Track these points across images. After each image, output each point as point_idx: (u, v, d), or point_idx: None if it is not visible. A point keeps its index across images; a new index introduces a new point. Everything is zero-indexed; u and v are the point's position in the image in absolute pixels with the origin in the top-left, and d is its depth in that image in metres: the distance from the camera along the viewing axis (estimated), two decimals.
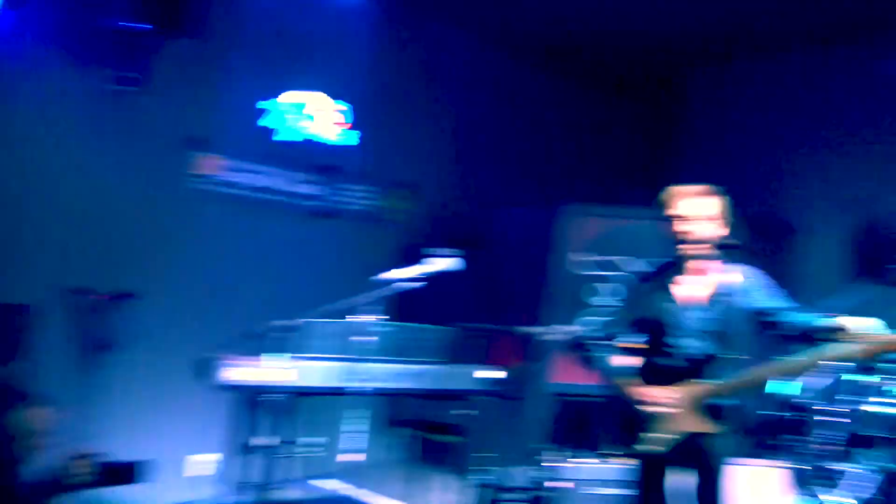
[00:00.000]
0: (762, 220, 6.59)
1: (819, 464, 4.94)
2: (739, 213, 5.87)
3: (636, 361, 3.27)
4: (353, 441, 3.83)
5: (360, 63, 6.25)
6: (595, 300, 5.97)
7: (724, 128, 7.90)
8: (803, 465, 5.00)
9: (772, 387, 5.87)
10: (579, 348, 3.28)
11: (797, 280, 6.92)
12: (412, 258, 6.00)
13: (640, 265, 3.38)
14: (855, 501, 4.56)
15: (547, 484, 4.40)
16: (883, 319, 3.03)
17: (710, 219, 3.08)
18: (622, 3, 6.44)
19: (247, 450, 4.08)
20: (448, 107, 7.22)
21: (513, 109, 8.00)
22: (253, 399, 4.09)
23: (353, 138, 6.14)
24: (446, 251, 6.18)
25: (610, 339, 3.28)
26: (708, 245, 3.06)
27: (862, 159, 6.88)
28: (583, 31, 7.14)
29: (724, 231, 3.09)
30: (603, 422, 3.44)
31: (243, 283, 5.51)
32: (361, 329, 3.92)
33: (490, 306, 6.41)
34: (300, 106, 5.79)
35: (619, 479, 4.26)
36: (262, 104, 5.66)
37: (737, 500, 3.16)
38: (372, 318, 3.89)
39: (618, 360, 3.24)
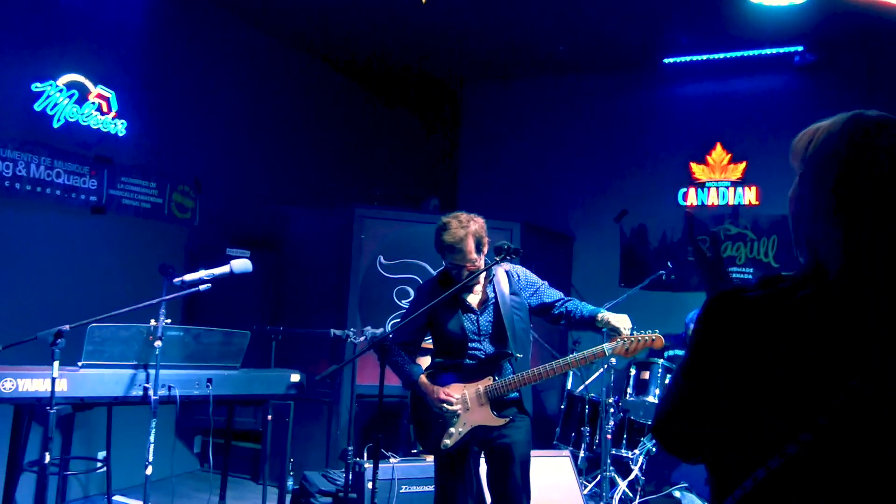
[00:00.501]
0: (539, 228, 7.06)
1: (601, 451, 5.35)
2: (519, 221, 6.32)
3: (426, 362, 3.45)
4: (146, 453, 3.49)
5: (138, 49, 5.78)
6: (405, 302, 6.02)
7: (503, 140, 8.39)
8: (589, 452, 5.41)
9: (560, 381, 6.30)
10: (378, 350, 3.30)
11: (571, 283, 7.53)
12: (203, 259, 5.66)
13: (428, 270, 3.46)
14: (623, 483, 5.01)
15: (354, 485, 4.32)
16: (642, 319, 3.42)
17: (474, 237, 3.23)
18: (408, 15, 6.59)
19: (23, 468, 3.57)
20: (239, 103, 6.93)
21: (308, 111, 7.88)
22: (29, 412, 3.62)
23: (128, 128, 5.62)
24: (239, 251, 5.92)
25: (403, 342, 3.38)
26: (476, 259, 3.24)
27: (627, 175, 7.64)
28: (372, 38, 7.23)
29: (485, 245, 3.28)
30: (406, 422, 3.50)
31: (14, 286, 4.82)
32: (150, 334, 3.59)
33: (290, 308, 6.23)
34: (69, 92, 5.19)
35: (426, 476, 4.34)
36: (27, 88, 4.98)
37: (529, 489, 3.32)
38: (161, 321, 3.57)
39: (410, 362, 3.37)
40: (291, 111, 7.62)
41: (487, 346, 3.30)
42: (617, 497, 4.99)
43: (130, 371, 3.67)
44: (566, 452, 5.05)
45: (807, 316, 1.13)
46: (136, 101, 5.73)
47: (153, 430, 3.54)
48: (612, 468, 5.12)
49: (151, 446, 3.53)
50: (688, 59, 7.16)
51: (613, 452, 5.25)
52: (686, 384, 1.24)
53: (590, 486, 5.29)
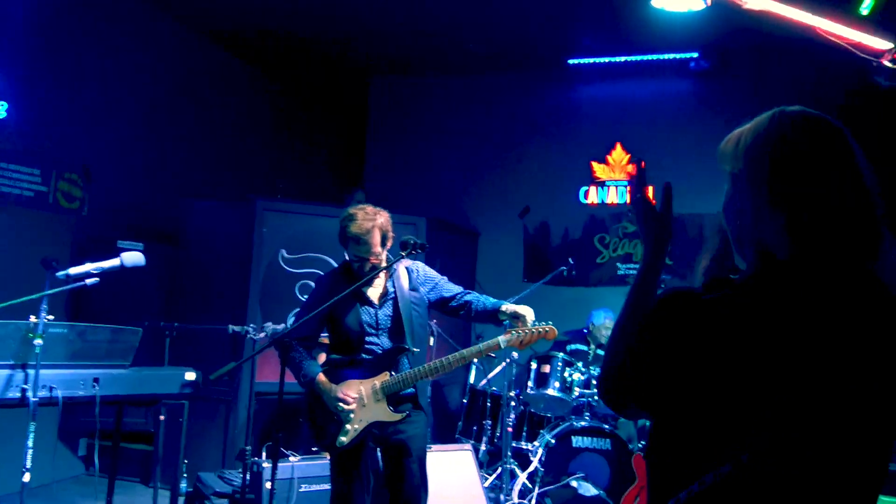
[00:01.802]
0: (445, 223, 7.08)
1: (502, 443, 5.41)
2: (425, 216, 6.31)
3: (323, 358, 3.43)
4: (25, 458, 3.26)
5: (22, 28, 5.41)
6: (307, 297, 5.89)
7: (410, 135, 8.37)
8: (490, 446, 5.46)
9: (463, 375, 6.33)
10: (279, 347, 3.23)
11: (476, 278, 7.59)
12: (93, 252, 5.36)
13: (332, 263, 3.40)
14: (523, 474, 5.09)
15: (251, 486, 4.19)
16: (545, 313, 3.45)
17: (380, 230, 3.24)
18: (317, 5, 6.47)
19: None
20: (136, 89, 6.60)
21: (212, 101, 7.61)
22: None
23: (8, 111, 5.25)
24: (132, 244, 5.64)
25: (302, 336, 3.33)
26: (380, 253, 3.25)
27: (531, 173, 7.76)
28: (280, 28, 7.07)
29: (389, 239, 3.29)
30: (305, 419, 3.44)
31: None
32: (30, 331, 3.35)
33: (188, 304, 5.99)
34: None
35: (325, 474, 4.27)
36: None
37: (427, 484, 3.34)
38: (42, 318, 3.34)
39: (307, 358, 3.31)
40: (193, 100, 7.33)
41: (385, 341, 3.30)
42: (517, 489, 5.06)
43: (7, 371, 3.41)
44: (468, 446, 5.08)
45: (748, 320, 1.16)
46: (18, 82, 5.35)
47: (32, 435, 3.31)
48: (512, 460, 5.19)
49: (30, 451, 3.29)
50: (592, 60, 7.34)
51: (514, 445, 5.33)
52: (642, 351, 1.23)
53: (491, 478, 5.35)
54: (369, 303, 3.31)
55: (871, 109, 5.82)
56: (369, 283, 3.29)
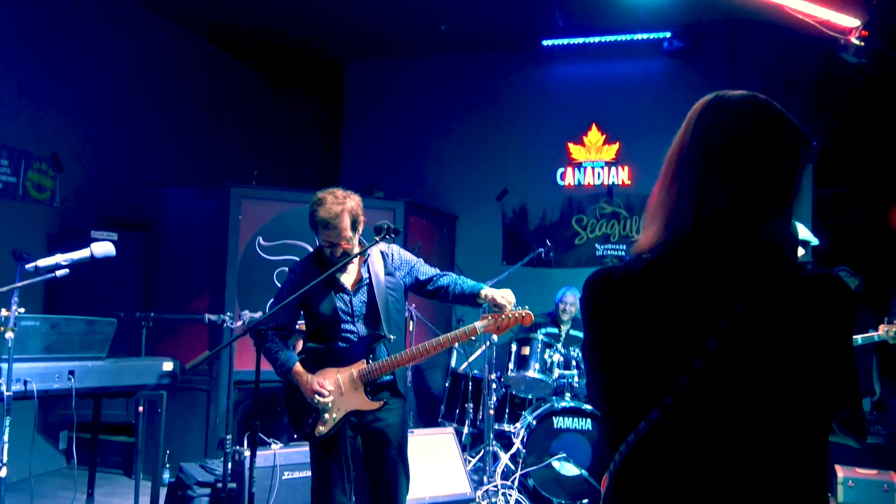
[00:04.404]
0: (422, 207, 7.07)
1: (484, 426, 5.43)
2: (402, 200, 6.29)
3: (301, 346, 3.38)
4: (1, 452, 3.23)
5: None
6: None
7: (386, 119, 8.32)
8: (473, 428, 5.49)
9: (444, 359, 6.34)
10: (255, 335, 3.19)
11: (454, 261, 7.60)
12: (66, 242, 5.28)
13: (309, 251, 3.33)
14: (506, 456, 5.13)
15: (233, 474, 4.18)
16: (523, 295, 3.45)
17: (350, 213, 3.16)
18: None
19: None
20: (107, 76, 6.49)
21: (185, 87, 7.50)
22: None
23: None
24: (105, 234, 5.57)
25: (277, 325, 3.28)
26: (351, 238, 3.17)
27: (508, 155, 7.76)
28: (253, 12, 6.96)
29: (361, 223, 3.21)
30: (283, 409, 3.42)
31: None
32: (1, 324, 3.30)
33: (164, 293, 5.93)
34: None
35: (308, 461, 4.27)
36: None
37: (408, 470, 3.33)
38: (14, 311, 3.29)
39: (283, 348, 3.27)
40: (165, 86, 7.22)
41: (360, 328, 3.26)
42: (500, 470, 5.10)
43: None
44: (450, 430, 5.10)
45: (657, 284, 1.28)
46: None
47: (7, 429, 3.27)
48: (494, 442, 5.22)
49: (5, 446, 3.26)
50: (566, 41, 7.32)
51: (496, 427, 5.36)
52: (587, 357, 1.39)
53: (473, 460, 5.38)
54: (343, 289, 3.26)
55: (840, 86, 5.89)
56: (343, 269, 3.23)
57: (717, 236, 1.26)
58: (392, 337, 3.24)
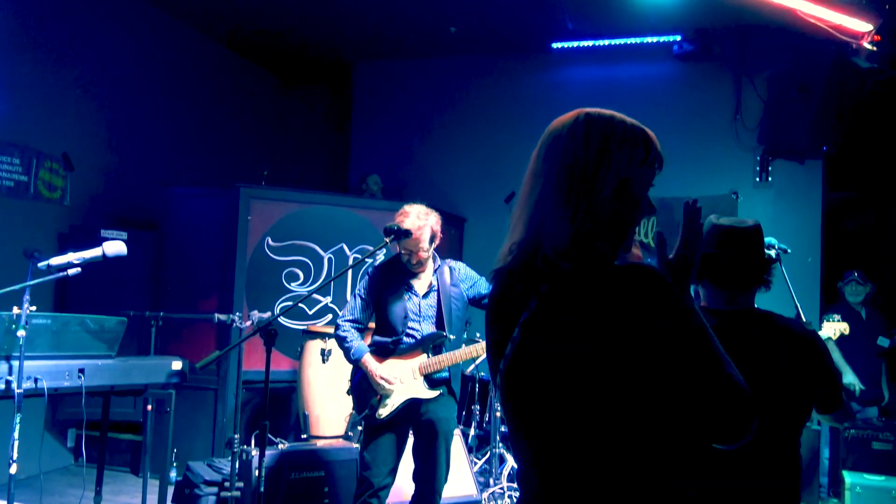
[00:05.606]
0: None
1: (490, 428, 5.43)
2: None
3: (368, 340, 3.77)
4: (9, 450, 3.25)
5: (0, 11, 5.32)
6: (294, 285, 5.88)
7: (395, 120, 8.34)
8: (479, 430, 5.49)
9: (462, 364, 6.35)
10: (265, 335, 3.30)
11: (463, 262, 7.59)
12: (76, 241, 5.31)
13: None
14: (512, 458, 5.13)
15: (241, 474, 4.20)
16: None
17: (430, 229, 3.62)
18: None
19: None
20: (117, 76, 6.52)
21: (195, 87, 7.54)
22: None
23: None
24: (115, 233, 5.60)
25: (353, 319, 3.69)
26: (427, 250, 3.64)
27: (517, 157, 7.74)
28: (263, 13, 7.00)
29: (437, 239, 3.67)
30: (351, 392, 3.73)
31: None
32: (13, 322, 3.33)
33: (173, 293, 5.95)
34: None
35: (315, 461, 4.29)
36: None
37: (450, 464, 3.65)
38: (25, 309, 3.32)
39: (357, 339, 3.66)
40: (176, 86, 7.26)
41: (425, 327, 3.66)
42: (506, 472, 5.10)
43: None
44: (457, 431, 5.10)
45: (502, 287, 1.58)
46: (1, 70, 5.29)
47: (17, 426, 3.29)
48: (501, 445, 5.22)
49: (16, 443, 3.28)
50: (575, 44, 7.32)
51: (503, 430, 5.36)
52: None
53: (480, 462, 5.38)
54: (415, 293, 3.68)
55: (850, 91, 5.86)
56: (416, 275, 3.69)
57: (526, 245, 1.50)
58: (452, 336, 3.65)
